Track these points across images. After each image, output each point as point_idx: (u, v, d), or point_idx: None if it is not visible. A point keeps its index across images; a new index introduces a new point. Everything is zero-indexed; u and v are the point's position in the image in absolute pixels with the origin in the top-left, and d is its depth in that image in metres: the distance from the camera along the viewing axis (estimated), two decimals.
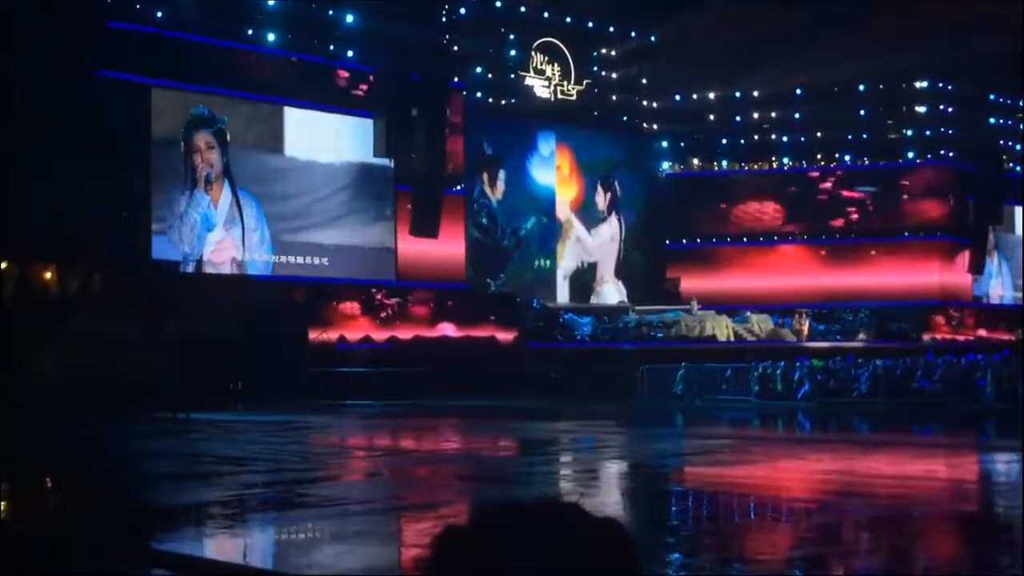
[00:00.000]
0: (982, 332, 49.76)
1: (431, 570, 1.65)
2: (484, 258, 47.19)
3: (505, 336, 41.63)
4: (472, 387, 34.94)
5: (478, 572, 1.62)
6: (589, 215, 52.05)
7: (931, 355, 33.44)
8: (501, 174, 48.69)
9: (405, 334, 40.04)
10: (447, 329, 40.99)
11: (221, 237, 38.21)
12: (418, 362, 36.85)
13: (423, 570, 1.64)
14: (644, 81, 53.02)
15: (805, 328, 45.57)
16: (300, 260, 40.16)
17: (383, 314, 40.77)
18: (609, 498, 14.95)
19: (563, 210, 51.04)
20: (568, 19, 50.18)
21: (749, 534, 11.75)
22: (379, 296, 41.37)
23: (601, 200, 52.50)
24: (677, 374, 33.62)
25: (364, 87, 41.45)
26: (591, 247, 51.75)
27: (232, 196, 38.48)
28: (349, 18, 41.38)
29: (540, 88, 49.82)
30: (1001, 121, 54.34)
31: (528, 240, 49.61)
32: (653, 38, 52.36)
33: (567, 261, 50.93)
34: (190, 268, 37.24)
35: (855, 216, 51.76)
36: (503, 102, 48.15)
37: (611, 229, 52.46)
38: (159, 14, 36.59)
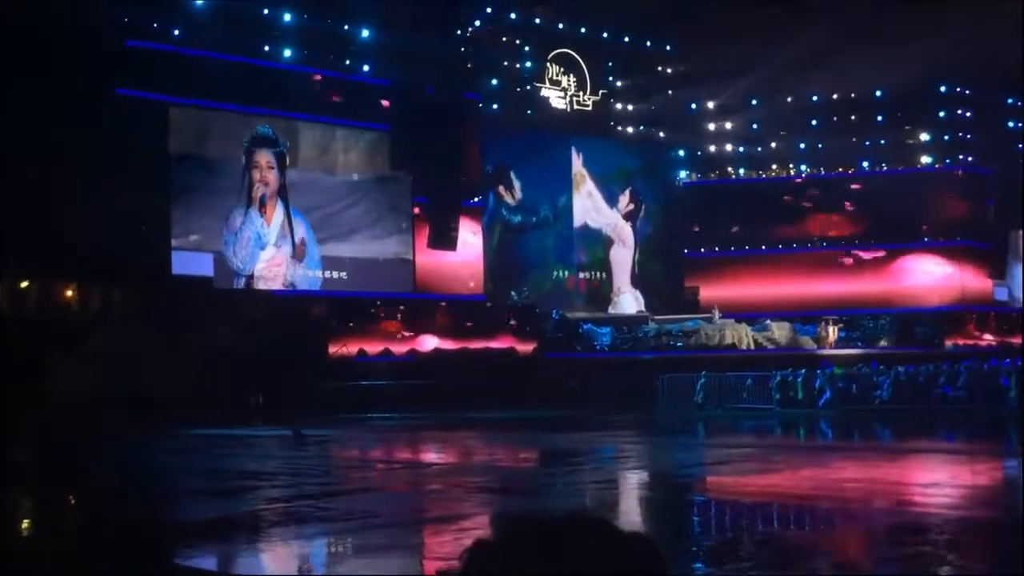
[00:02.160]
0: (1006, 337, 49.36)
1: None
2: (506, 269, 47.25)
3: (524, 347, 41.59)
4: (492, 399, 34.93)
5: None
6: (608, 196, 52.07)
7: (948, 363, 33.17)
8: (513, 175, 48.72)
9: (424, 346, 40.05)
10: (466, 341, 40.97)
11: (272, 254, 38.70)
12: (438, 374, 36.87)
13: None
14: (660, 90, 52.96)
15: (831, 336, 45.32)
16: (319, 274, 40.33)
17: (402, 327, 40.81)
18: (633, 509, 14.89)
19: (576, 161, 51.03)
20: (583, 30, 50.23)
21: (776, 544, 11.67)
22: (398, 309, 41.43)
23: (623, 202, 52.49)
24: (697, 383, 33.51)
25: (380, 101, 41.58)
26: (602, 207, 51.67)
27: (285, 215, 38.99)
28: (365, 32, 41.54)
29: (556, 99, 49.87)
30: (1020, 124, 54.00)
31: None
32: (668, 47, 52.36)
33: (577, 212, 50.82)
34: (241, 284, 37.73)
35: (874, 223, 51.35)
36: (519, 113, 48.21)
37: (626, 228, 52.33)
38: (176, 32, 36.83)
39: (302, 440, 24.86)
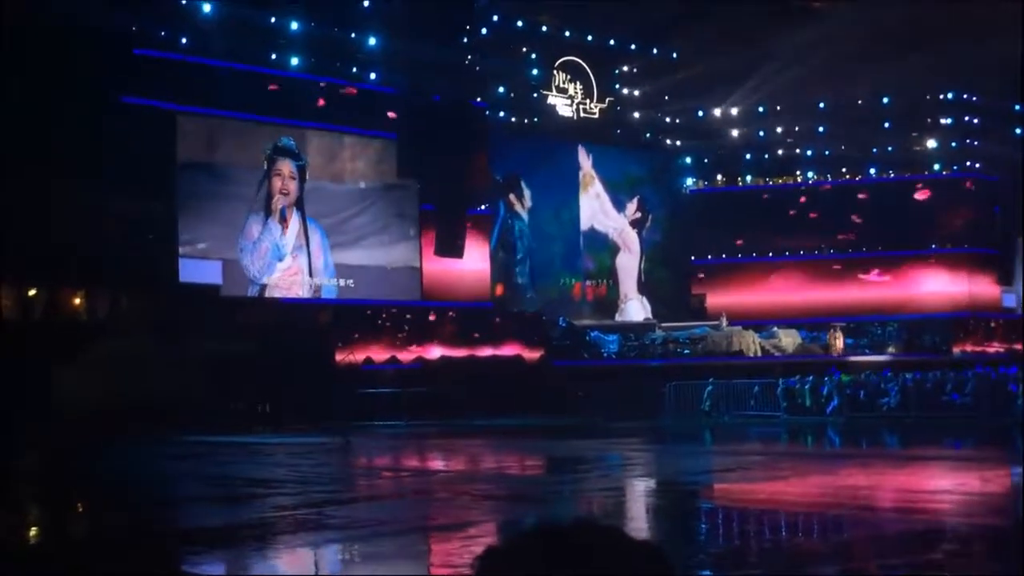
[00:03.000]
0: (1014, 344, 49.26)
1: None
2: (513, 277, 47.25)
3: (531, 355, 41.58)
4: (499, 406, 34.93)
5: None
6: (615, 203, 52.00)
7: (958, 371, 33.06)
8: (523, 183, 48.68)
9: (431, 354, 40.06)
10: (473, 349, 40.98)
11: (289, 264, 38.94)
12: (445, 382, 36.86)
13: None
14: (666, 97, 52.99)
15: (839, 343, 45.24)
16: (332, 282, 40.38)
17: (409, 335, 40.80)
18: (641, 516, 14.86)
19: (585, 161, 50.94)
20: (589, 37, 50.26)
21: (784, 551, 11.64)
22: (405, 317, 41.44)
23: (630, 210, 52.46)
24: (705, 390, 33.49)
25: (387, 109, 41.64)
26: (610, 209, 51.59)
27: (301, 225, 39.15)
28: (372, 41, 41.61)
29: (562, 107, 49.91)
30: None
31: (543, 275, 49.33)
32: (675, 54, 52.37)
33: (584, 213, 50.75)
34: (254, 292, 37.84)
35: (882, 229, 51.25)
36: (526, 121, 48.25)
37: (632, 234, 52.28)
38: (183, 40, 36.90)
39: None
